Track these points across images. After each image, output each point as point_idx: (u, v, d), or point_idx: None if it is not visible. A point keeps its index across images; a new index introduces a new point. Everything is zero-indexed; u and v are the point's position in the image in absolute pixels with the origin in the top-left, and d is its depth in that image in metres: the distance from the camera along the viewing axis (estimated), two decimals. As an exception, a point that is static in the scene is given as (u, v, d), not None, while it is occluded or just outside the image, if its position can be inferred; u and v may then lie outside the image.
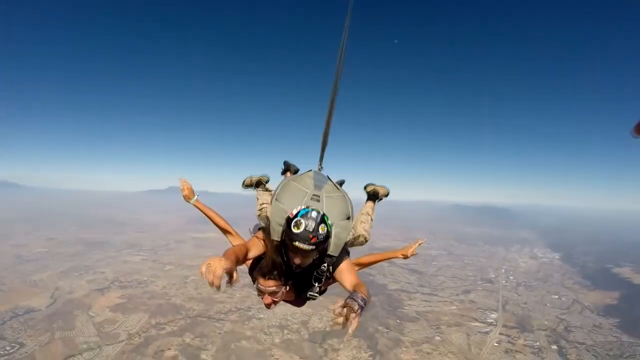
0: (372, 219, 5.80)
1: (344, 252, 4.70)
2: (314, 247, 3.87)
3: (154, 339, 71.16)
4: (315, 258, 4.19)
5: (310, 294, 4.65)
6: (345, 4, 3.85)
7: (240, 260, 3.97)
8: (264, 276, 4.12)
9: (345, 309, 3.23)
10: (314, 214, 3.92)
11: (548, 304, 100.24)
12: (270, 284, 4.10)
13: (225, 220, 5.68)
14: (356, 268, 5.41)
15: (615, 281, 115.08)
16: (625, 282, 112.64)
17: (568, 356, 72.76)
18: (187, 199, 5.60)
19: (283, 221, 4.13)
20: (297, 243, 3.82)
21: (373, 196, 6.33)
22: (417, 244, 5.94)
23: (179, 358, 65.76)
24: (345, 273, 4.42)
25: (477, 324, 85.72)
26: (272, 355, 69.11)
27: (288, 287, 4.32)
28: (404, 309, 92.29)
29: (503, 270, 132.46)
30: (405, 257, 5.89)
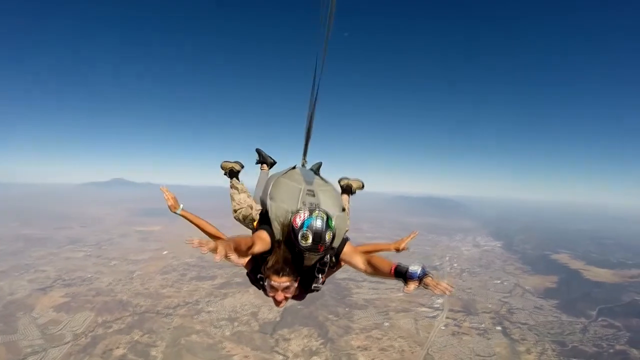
0: (348, 212, 5.72)
1: (344, 240, 4.81)
2: (322, 254, 4.25)
3: (101, 338, 67.95)
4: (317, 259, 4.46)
5: (314, 286, 4.76)
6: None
7: (243, 252, 3.85)
8: (277, 273, 4.19)
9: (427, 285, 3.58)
10: (318, 222, 3.99)
11: (491, 289, 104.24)
12: (284, 280, 4.19)
13: (214, 227, 5.59)
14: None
15: (554, 266, 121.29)
16: (563, 267, 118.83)
17: (512, 336, 75.88)
18: (172, 209, 5.48)
19: (286, 221, 4.36)
20: (307, 254, 4.10)
21: (347, 189, 6.42)
22: (409, 238, 5.96)
23: (128, 356, 63.10)
24: (352, 255, 4.69)
25: (424, 309, 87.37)
26: (223, 348, 67.94)
27: (298, 283, 4.41)
28: (352, 297, 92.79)
29: (447, 258, 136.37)
30: (398, 250, 5.90)
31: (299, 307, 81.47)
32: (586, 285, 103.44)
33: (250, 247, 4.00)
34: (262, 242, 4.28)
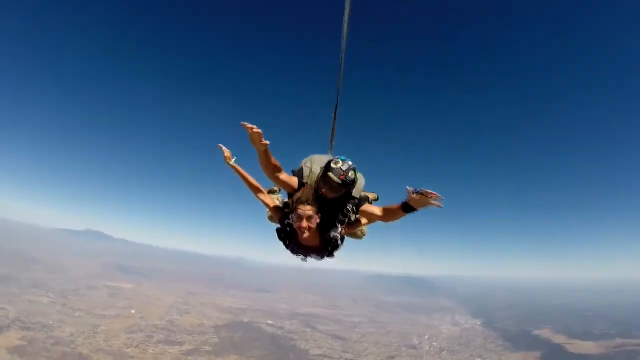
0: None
1: (365, 198, 6.03)
2: (341, 183, 5.24)
3: (53, 389, 62.26)
4: (339, 198, 5.54)
5: (333, 234, 5.64)
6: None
7: (276, 166, 5.45)
8: (302, 203, 5.34)
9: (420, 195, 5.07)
10: (349, 162, 5.34)
11: None
12: (308, 209, 5.30)
13: (258, 184, 6.30)
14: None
15: (536, 342, 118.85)
16: (546, 343, 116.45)
17: None
18: (227, 160, 6.14)
19: (319, 171, 5.65)
20: (330, 174, 5.23)
21: (365, 200, 6.45)
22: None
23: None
24: (372, 208, 5.87)
25: None
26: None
27: (319, 219, 5.41)
28: None
29: (426, 337, 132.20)
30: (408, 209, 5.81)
31: None
32: (571, 358, 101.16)
33: (278, 171, 5.54)
34: (291, 179, 5.80)
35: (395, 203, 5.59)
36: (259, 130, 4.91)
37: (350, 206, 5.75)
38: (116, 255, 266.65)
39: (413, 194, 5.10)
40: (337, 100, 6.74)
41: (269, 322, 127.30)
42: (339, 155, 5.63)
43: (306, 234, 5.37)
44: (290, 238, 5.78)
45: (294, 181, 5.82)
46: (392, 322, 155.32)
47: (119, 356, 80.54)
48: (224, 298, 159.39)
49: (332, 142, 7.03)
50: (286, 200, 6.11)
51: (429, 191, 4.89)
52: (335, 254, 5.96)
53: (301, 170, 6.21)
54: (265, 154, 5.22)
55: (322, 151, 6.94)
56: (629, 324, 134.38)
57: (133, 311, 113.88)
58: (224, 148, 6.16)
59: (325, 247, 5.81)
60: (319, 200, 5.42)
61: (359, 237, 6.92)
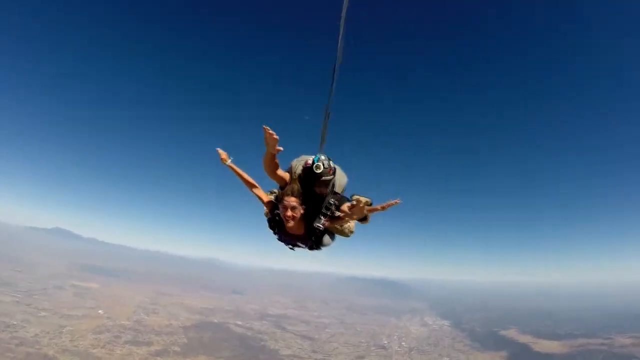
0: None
1: (346, 198, 6.66)
2: (332, 175, 6.25)
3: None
4: (328, 191, 6.41)
5: (316, 225, 6.34)
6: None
7: (274, 164, 6.28)
8: (288, 194, 6.05)
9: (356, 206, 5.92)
10: (322, 156, 6.17)
11: None
12: (292, 200, 5.99)
13: (253, 180, 6.87)
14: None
15: (503, 342, 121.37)
16: (512, 342, 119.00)
17: None
18: (224, 161, 6.74)
19: (301, 165, 6.46)
20: (323, 178, 6.08)
21: (346, 199, 7.07)
22: (393, 202, 6.30)
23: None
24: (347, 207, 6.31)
25: None
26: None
27: (303, 210, 6.14)
28: None
29: (395, 337, 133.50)
30: (384, 208, 6.33)
31: None
32: (536, 357, 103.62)
33: (276, 168, 6.40)
34: (285, 174, 6.65)
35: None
36: (277, 137, 5.66)
37: (333, 200, 6.42)
38: (84, 254, 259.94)
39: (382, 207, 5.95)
40: (329, 102, 6.97)
41: (239, 322, 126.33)
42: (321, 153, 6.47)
43: (290, 223, 6.12)
44: (278, 227, 6.57)
45: (287, 176, 6.67)
46: (362, 323, 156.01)
47: (85, 357, 78.78)
48: (194, 298, 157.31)
49: (322, 144, 7.33)
50: (276, 193, 6.82)
51: (389, 203, 5.77)
52: (322, 247, 6.92)
53: (291, 167, 6.95)
54: (273, 156, 6.10)
55: (312, 152, 7.21)
56: (593, 324, 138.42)
57: (100, 311, 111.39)
58: (220, 150, 6.79)
59: (310, 236, 6.54)
60: (304, 194, 6.16)
61: (347, 235, 7.31)
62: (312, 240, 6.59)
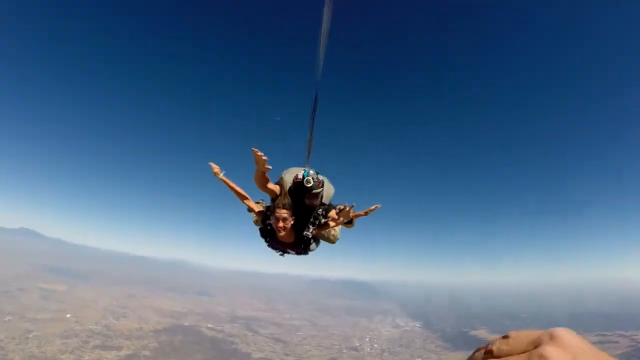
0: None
1: (332, 206, 7.16)
2: (322, 188, 6.69)
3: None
4: (318, 200, 6.87)
5: (305, 234, 6.83)
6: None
7: (265, 179, 6.67)
8: (279, 207, 6.41)
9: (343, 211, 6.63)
10: (311, 171, 6.67)
11: None
12: (283, 212, 6.39)
13: (245, 193, 7.24)
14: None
15: (473, 342, 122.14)
16: (483, 342, 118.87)
17: None
18: (216, 175, 6.90)
19: (292, 179, 6.86)
20: (313, 191, 6.57)
21: (332, 207, 7.44)
22: (374, 207, 7.02)
23: None
24: (333, 213, 7.02)
25: None
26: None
27: (293, 220, 6.56)
28: None
29: (367, 339, 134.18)
30: (367, 213, 7.07)
31: None
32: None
33: (267, 182, 6.74)
34: (275, 187, 6.93)
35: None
36: (266, 158, 6.18)
37: (321, 210, 6.99)
38: (50, 255, 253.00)
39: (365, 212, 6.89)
40: (313, 119, 7.25)
41: (209, 325, 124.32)
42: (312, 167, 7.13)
43: (282, 232, 6.52)
44: (270, 236, 6.99)
45: (277, 188, 7.00)
46: (334, 325, 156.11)
47: None
48: (164, 301, 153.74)
49: (308, 155, 7.69)
50: (268, 204, 7.24)
51: (371, 209, 6.82)
52: (310, 252, 7.32)
53: (281, 179, 7.28)
54: (263, 173, 6.55)
55: (300, 162, 7.77)
56: (561, 323, 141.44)
57: (68, 315, 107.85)
58: (213, 165, 7.01)
59: (299, 244, 7.01)
60: (294, 206, 6.60)
61: (332, 242, 7.89)
62: (302, 247, 7.08)
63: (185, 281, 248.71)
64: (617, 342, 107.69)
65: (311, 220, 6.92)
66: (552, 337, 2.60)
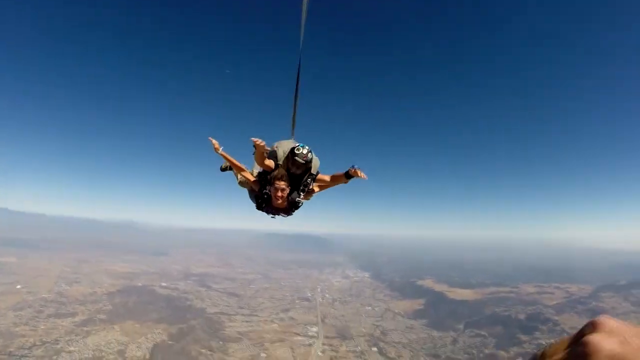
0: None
1: (318, 173, 8.06)
2: (304, 162, 7.39)
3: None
4: (303, 173, 7.70)
5: (298, 199, 7.77)
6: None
7: (264, 157, 7.65)
8: (279, 179, 7.40)
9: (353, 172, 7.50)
10: (306, 146, 7.45)
11: (363, 315, 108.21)
12: (282, 184, 7.40)
13: (244, 166, 8.06)
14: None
15: (420, 291, 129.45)
16: (429, 291, 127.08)
17: (388, 354, 78.86)
18: (216, 150, 7.70)
19: (286, 153, 7.69)
20: (297, 159, 7.29)
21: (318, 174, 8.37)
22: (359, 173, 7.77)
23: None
24: (323, 176, 8.04)
25: (299, 337, 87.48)
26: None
27: (289, 189, 7.56)
28: (224, 330, 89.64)
29: (319, 290, 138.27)
30: (348, 177, 7.88)
31: (170, 342, 77.57)
32: (451, 304, 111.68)
33: (265, 159, 7.62)
34: (271, 162, 7.76)
35: (340, 172, 7.96)
36: (263, 144, 7.31)
37: (310, 179, 7.87)
38: None
39: (352, 168, 7.56)
40: (297, 88, 8.53)
41: (163, 284, 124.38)
42: (300, 142, 7.82)
43: (279, 201, 7.63)
44: (265, 202, 7.83)
45: (272, 163, 7.81)
46: (286, 278, 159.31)
47: (8, 336, 74.43)
48: (116, 263, 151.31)
49: (293, 128, 8.91)
50: (259, 171, 8.18)
51: (360, 172, 7.49)
52: (294, 213, 8.20)
53: (274, 152, 8.10)
54: (262, 153, 7.55)
55: (285, 136, 8.83)
56: (503, 275, 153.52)
57: (19, 286, 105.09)
58: (213, 140, 7.75)
59: (291, 208, 7.94)
60: (288, 176, 7.58)
61: (307, 199, 8.56)
62: (292, 210, 8.05)
63: (137, 242, 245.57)
64: (552, 293, 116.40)
65: (301, 187, 7.85)
66: (594, 326, 2.45)
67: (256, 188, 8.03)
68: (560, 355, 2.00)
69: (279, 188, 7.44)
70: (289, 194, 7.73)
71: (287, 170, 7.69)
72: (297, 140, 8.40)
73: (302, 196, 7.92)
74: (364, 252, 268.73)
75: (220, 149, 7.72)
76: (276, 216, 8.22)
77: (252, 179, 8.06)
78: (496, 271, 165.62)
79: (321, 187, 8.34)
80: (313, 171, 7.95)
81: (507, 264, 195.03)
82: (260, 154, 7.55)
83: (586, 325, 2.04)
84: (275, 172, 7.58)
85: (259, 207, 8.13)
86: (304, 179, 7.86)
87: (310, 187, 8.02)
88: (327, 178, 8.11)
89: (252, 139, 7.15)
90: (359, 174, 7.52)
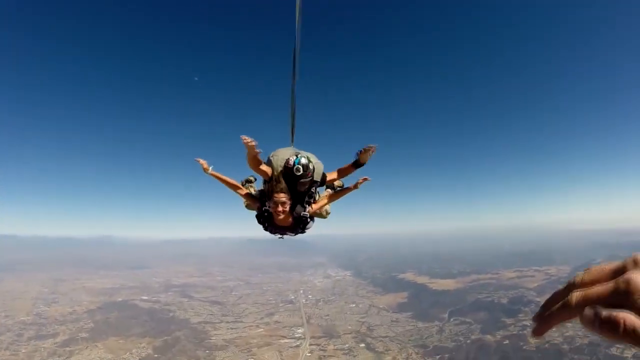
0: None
1: (324, 177, 7.22)
2: (310, 178, 6.71)
3: None
4: (307, 186, 6.88)
5: (303, 214, 6.91)
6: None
7: (257, 161, 6.66)
8: (277, 191, 6.51)
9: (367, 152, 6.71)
10: (303, 160, 6.60)
11: (348, 312, 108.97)
12: (282, 196, 6.51)
13: (238, 183, 7.49)
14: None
15: (402, 284, 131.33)
16: (411, 284, 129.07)
17: (376, 349, 79.65)
18: (205, 171, 7.04)
19: (283, 162, 6.79)
20: (301, 180, 6.62)
21: (324, 177, 7.51)
22: (363, 179, 7.39)
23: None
24: (330, 175, 7.30)
25: (286, 340, 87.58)
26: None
27: (291, 202, 6.69)
28: (210, 339, 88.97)
29: (301, 291, 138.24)
30: (356, 187, 7.52)
31: (156, 356, 77.09)
32: (434, 295, 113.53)
33: (260, 164, 6.73)
34: (268, 169, 6.90)
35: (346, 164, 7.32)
36: (254, 143, 6.38)
37: (314, 188, 7.10)
38: None
39: (358, 153, 6.81)
40: (293, 91, 7.84)
41: (144, 297, 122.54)
42: (296, 146, 7.54)
43: (281, 216, 6.71)
44: (267, 221, 7.03)
45: (269, 170, 6.99)
46: (267, 282, 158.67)
47: None
48: (94, 280, 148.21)
49: (292, 134, 8.14)
50: (261, 188, 7.54)
51: (369, 146, 6.67)
52: (307, 230, 7.34)
53: (270, 162, 7.22)
54: (254, 156, 6.63)
55: (284, 142, 8.13)
56: (483, 263, 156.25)
57: None
58: (201, 160, 7.13)
59: (297, 225, 7.09)
60: (289, 188, 6.68)
61: (324, 217, 8.10)
62: (300, 227, 7.16)
63: (114, 257, 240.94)
64: (533, 276, 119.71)
65: (306, 200, 7.01)
66: (636, 263, 2.24)
67: (256, 205, 7.19)
68: (601, 288, 1.92)
69: (278, 201, 6.51)
70: (292, 208, 6.84)
71: (286, 179, 6.78)
72: (297, 147, 7.65)
73: (307, 209, 7.03)
74: (344, 252, 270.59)
75: (210, 169, 7.08)
76: (284, 236, 7.54)
77: (247, 195, 7.33)
78: (475, 260, 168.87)
79: (330, 198, 7.56)
80: (316, 178, 7.00)
81: (485, 252, 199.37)
82: (252, 157, 6.62)
83: (627, 261, 1.96)
84: (275, 185, 6.61)
85: (264, 228, 7.29)
86: (309, 190, 7.05)
87: (316, 197, 7.33)
88: (334, 175, 7.31)
89: (242, 137, 6.21)
90: (370, 152, 6.69)
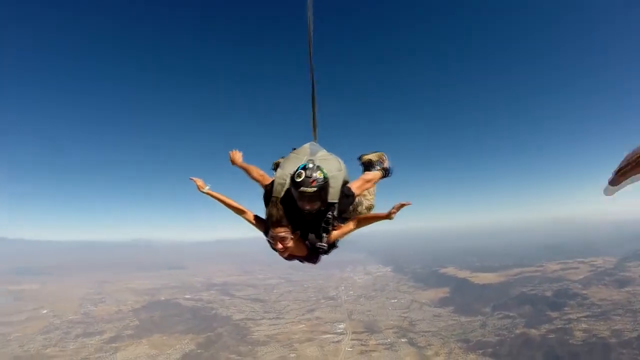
0: (371, 185, 6.25)
1: (350, 196, 5.45)
2: (315, 189, 4.72)
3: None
4: (320, 206, 4.98)
5: (319, 244, 5.17)
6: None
7: (256, 176, 5.88)
8: (274, 225, 4.89)
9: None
10: (310, 164, 4.88)
11: (389, 308, 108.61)
12: (279, 230, 4.87)
13: (237, 203, 5.94)
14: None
15: (444, 279, 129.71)
16: (452, 278, 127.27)
17: (418, 344, 79.40)
18: (200, 189, 5.95)
19: (284, 181, 5.26)
20: (301, 189, 4.71)
21: (368, 165, 6.66)
22: (401, 205, 5.31)
23: None
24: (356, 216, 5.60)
25: (327, 335, 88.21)
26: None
27: (296, 236, 4.99)
28: (252, 335, 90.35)
29: (342, 288, 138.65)
30: (389, 217, 5.36)
31: (199, 351, 78.69)
32: (476, 288, 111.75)
33: (251, 171, 5.93)
34: (264, 178, 5.84)
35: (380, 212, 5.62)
36: (239, 157, 6.21)
37: (331, 213, 5.11)
38: (14, 256, 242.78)
39: (394, 211, 5.07)
40: (313, 84, 6.38)
41: (187, 296, 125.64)
42: (323, 144, 6.13)
43: (285, 254, 5.17)
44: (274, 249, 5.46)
45: (267, 180, 5.86)
46: (308, 280, 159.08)
47: (38, 359, 76.01)
48: (138, 281, 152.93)
49: (314, 128, 6.74)
50: (263, 217, 5.79)
51: (405, 203, 5.05)
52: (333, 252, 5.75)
53: (272, 184, 5.61)
54: (242, 167, 6.19)
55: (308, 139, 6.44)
56: (525, 256, 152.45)
57: (44, 311, 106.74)
58: (195, 179, 6.13)
59: (315, 253, 5.39)
60: (294, 215, 5.00)
61: (368, 209, 6.18)
62: (318, 257, 5.54)
63: (154, 258, 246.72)
64: (577, 268, 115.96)
65: (322, 226, 5.14)
66: None
67: (262, 230, 5.47)
68: None
69: (276, 238, 4.88)
70: (304, 237, 5.15)
71: (285, 205, 5.09)
72: (321, 144, 6.08)
73: (325, 239, 5.17)
74: (383, 248, 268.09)
75: (206, 188, 5.85)
76: (304, 262, 5.81)
77: (253, 221, 5.61)
78: (517, 253, 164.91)
79: (359, 223, 5.46)
80: (332, 199, 5.10)
81: (526, 245, 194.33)
82: (241, 168, 6.16)
83: None
84: (270, 214, 4.98)
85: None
86: (324, 215, 5.11)
87: (335, 225, 5.24)
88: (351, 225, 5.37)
89: (230, 152, 5.89)
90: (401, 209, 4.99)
